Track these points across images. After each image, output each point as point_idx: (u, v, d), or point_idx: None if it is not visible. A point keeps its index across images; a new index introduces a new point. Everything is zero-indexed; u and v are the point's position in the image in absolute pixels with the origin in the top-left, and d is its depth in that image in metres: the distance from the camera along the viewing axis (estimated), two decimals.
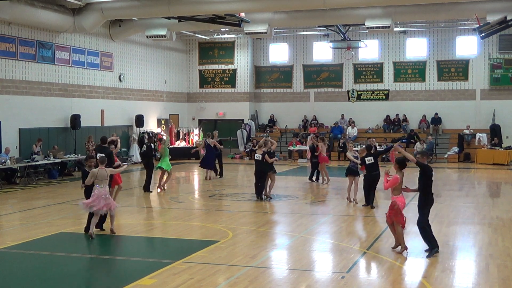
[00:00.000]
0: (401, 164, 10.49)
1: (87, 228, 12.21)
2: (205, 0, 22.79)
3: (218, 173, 23.00)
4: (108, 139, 17.47)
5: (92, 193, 11.96)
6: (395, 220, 10.39)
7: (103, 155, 14.29)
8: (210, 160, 22.50)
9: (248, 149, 32.18)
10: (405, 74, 32.89)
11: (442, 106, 32.08)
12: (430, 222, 13.57)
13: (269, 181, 16.95)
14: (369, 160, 15.11)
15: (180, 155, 31.76)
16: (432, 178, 10.39)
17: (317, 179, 21.01)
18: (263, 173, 16.75)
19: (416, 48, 32.67)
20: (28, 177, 21.64)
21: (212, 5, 22.91)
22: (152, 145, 19.96)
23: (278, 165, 27.58)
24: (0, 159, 20.07)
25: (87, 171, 12.31)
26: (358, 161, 16.12)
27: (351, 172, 16.38)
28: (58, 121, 24.70)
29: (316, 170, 20.96)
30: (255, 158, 16.96)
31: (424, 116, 32.27)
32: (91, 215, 12.14)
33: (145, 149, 19.05)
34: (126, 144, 29.13)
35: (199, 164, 23.17)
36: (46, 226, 13.26)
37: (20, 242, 11.67)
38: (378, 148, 19.94)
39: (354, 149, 17.11)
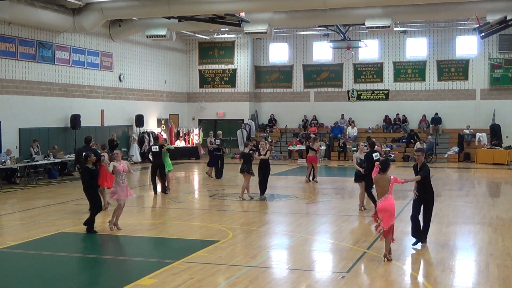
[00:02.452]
0: (383, 166, 10.18)
1: (90, 228, 12.40)
2: (205, 0, 22.80)
3: (216, 173, 22.69)
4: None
5: (115, 185, 12.46)
6: (383, 222, 10.03)
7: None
8: (210, 158, 22.80)
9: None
10: (405, 74, 32.89)
11: (442, 106, 32.08)
12: (430, 222, 13.66)
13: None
14: (376, 156, 14.26)
15: (180, 155, 31.80)
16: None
17: (313, 178, 21.21)
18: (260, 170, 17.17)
19: (416, 48, 32.67)
20: (28, 177, 21.65)
21: (212, 5, 22.91)
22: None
23: (278, 165, 27.62)
24: (0, 159, 20.08)
25: (88, 168, 12.42)
26: (362, 170, 14.74)
27: (362, 177, 14.91)
28: (58, 121, 24.70)
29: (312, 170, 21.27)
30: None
31: (424, 116, 32.27)
32: (94, 214, 12.41)
33: (157, 149, 18.39)
34: (126, 144, 29.13)
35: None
36: (46, 226, 13.26)
37: (20, 242, 11.67)
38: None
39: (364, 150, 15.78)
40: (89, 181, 12.44)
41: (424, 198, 10.99)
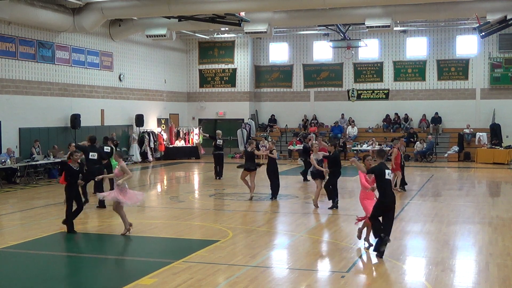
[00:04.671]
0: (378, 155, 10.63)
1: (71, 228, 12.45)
2: (205, 0, 22.78)
3: (216, 174, 22.58)
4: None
5: (119, 188, 12.00)
6: None
7: (95, 153, 14.47)
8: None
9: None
10: (405, 74, 32.88)
11: (442, 106, 32.08)
12: (430, 221, 13.66)
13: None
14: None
15: (180, 154, 31.83)
16: (387, 177, 10.06)
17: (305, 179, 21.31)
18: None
19: (416, 47, 32.66)
20: (28, 177, 21.65)
21: (212, 4, 22.90)
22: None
23: (278, 164, 27.53)
24: (0, 159, 20.08)
25: (73, 169, 12.42)
26: (325, 170, 15.53)
27: (319, 175, 15.65)
28: (58, 121, 24.70)
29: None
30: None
31: (424, 115, 32.27)
32: (70, 213, 12.43)
33: (109, 150, 17.21)
34: (126, 143, 29.13)
35: None
36: (46, 226, 13.26)
37: (20, 242, 11.67)
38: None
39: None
40: (69, 180, 12.43)
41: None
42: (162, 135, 31.68)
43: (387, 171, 10.06)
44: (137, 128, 29.90)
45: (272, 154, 16.94)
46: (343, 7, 25.06)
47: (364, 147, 30.42)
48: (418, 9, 25.16)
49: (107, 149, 17.35)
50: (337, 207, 15.22)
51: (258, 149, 18.23)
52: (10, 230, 13.14)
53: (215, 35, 33.71)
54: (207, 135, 24.42)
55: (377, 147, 29.11)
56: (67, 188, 12.54)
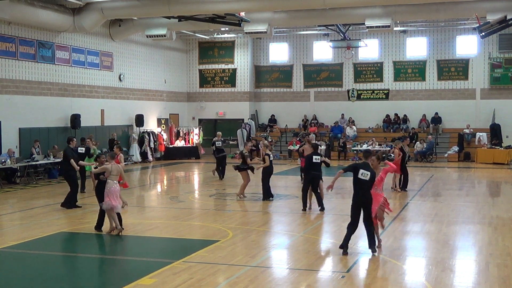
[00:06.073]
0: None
1: (99, 226, 12.41)
2: (205, 0, 22.78)
3: (218, 174, 22.58)
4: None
5: (108, 189, 11.97)
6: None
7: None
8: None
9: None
10: (405, 74, 32.89)
11: (442, 106, 32.08)
12: (430, 221, 13.65)
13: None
14: (316, 159, 14.81)
15: (180, 155, 31.85)
16: (360, 177, 10.18)
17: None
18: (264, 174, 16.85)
19: (416, 47, 32.67)
20: (28, 177, 21.65)
21: (212, 4, 22.90)
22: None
23: (278, 164, 27.61)
24: (0, 159, 20.09)
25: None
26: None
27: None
28: (58, 120, 24.70)
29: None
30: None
31: (424, 115, 32.28)
32: (103, 212, 12.29)
33: (83, 151, 17.83)
34: (126, 144, 29.13)
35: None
36: (46, 226, 13.26)
37: (20, 242, 11.67)
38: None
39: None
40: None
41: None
42: (162, 135, 31.69)
43: (361, 171, 10.19)
44: (137, 128, 29.90)
45: (264, 162, 16.75)
46: (343, 7, 25.06)
47: (364, 147, 30.39)
48: (418, 9, 25.17)
49: (81, 149, 17.84)
50: (306, 210, 14.93)
51: (258, 149, 18.21)
52: (10, 230, 13.14)
53: (215, 35, 33.72)
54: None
55: (377, 147, 29.16)
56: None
